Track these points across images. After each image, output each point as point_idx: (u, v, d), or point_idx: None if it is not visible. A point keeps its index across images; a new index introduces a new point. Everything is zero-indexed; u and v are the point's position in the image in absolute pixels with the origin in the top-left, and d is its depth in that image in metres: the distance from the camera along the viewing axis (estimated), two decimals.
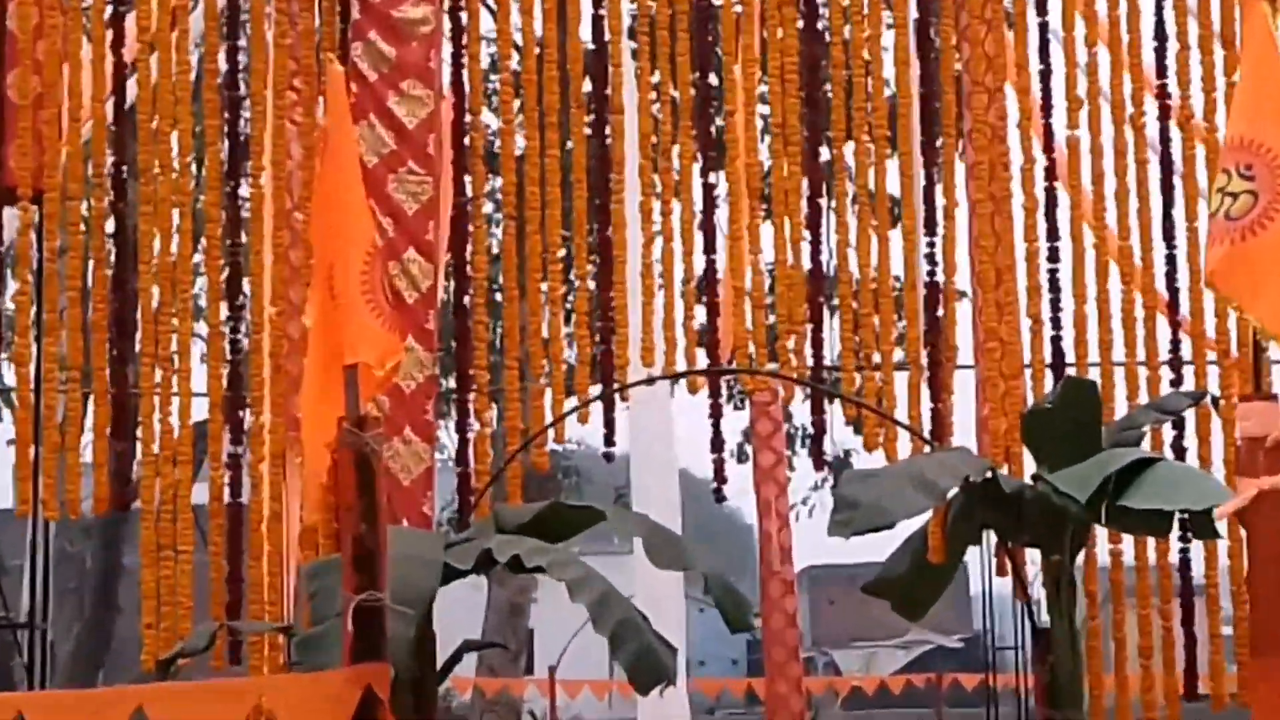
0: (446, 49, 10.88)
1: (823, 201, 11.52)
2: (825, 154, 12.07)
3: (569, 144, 11.66)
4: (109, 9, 11.13)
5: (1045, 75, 11.38)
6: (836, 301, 11.54)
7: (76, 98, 10.60)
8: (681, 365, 11.67)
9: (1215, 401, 9.95)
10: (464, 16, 10.99)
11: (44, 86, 10.44)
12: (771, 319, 11.54)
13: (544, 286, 11.56)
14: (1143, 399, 10.77)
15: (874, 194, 11.44)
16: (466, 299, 11.04)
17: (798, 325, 11.16)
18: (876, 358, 11.65)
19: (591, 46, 11.50)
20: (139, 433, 10.94)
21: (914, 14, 11.80)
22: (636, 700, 28.99)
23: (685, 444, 15.86)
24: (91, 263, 11.23)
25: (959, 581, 10.88)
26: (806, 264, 11.41)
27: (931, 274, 11.27)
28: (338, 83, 6.97)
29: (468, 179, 11.10)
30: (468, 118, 11.11)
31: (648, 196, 11.37)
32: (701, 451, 12.39)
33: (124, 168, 10.89)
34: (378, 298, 6.59)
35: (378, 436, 6.71)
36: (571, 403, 11.11)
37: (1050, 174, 11.21)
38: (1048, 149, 11.28)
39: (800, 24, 11.46)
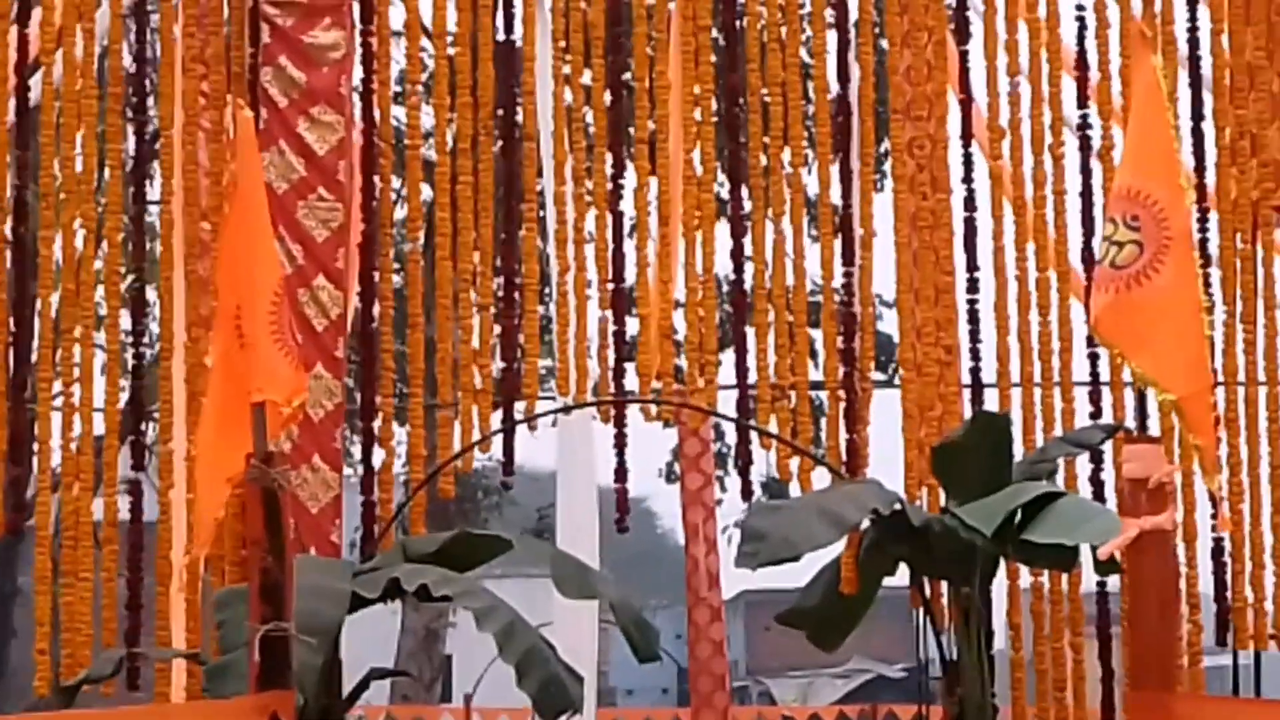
0: (358, 75, 10.89)
1: (746, 220, 11.53)
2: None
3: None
4: (14, 5, 10.94)
5: (965, 105, 11.49)
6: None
7: None
8: (602, 386, 11.66)
9: (1129, 434, 9.80)
10: (374, 42, 11.00)
11: None
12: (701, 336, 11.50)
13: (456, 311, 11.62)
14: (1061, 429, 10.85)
15: (812, 205, 11.88)
16: (372, 325, 11.07)
17: (710, 354, 11.30)
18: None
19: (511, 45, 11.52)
20: (35, 452, 10.95)
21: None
22: None
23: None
24: None
25: (902, 610, 11.17)
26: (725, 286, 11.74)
27: (847, 299, 11.32)
28: (246, 128, 7.36)
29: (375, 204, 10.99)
30: (378, 144, 11.00)
31: (562, 224, 11.54)
32: (632, 473, 12.43)
33: (25, 170, 10.81)
34: (285, 337, 6.99)
35: (284, 472, 7.17)
36: (476, 433, 11.31)
37: (969, 204, 11.30)
38: (967, 179, 11.35)
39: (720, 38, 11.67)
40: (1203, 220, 10.57)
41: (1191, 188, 8.88)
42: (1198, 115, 10.83)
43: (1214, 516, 10.60)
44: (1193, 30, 11.03)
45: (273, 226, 8.59)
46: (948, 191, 11.28)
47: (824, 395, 11.44)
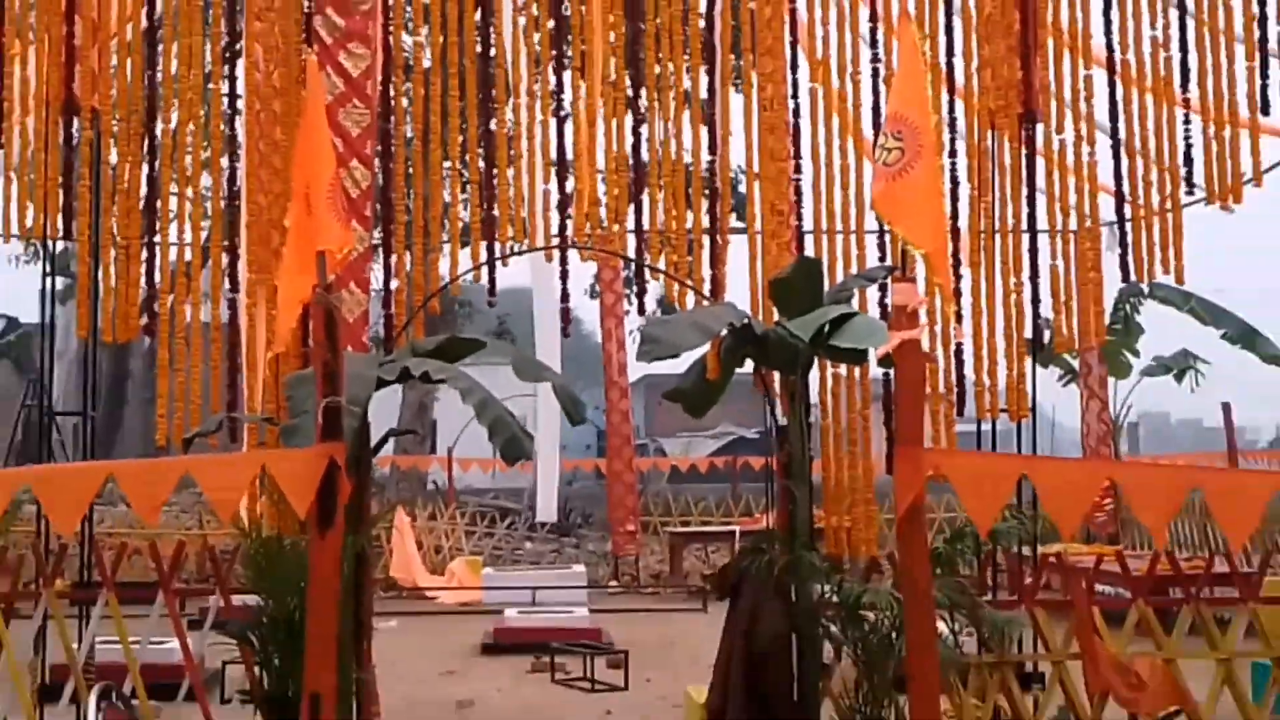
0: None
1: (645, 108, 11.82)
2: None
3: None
4: None
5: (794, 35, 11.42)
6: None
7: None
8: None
9: (898, 274, 10.02)
10: None
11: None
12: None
13: (445, 167, 12.14)
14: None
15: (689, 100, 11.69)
16: (390, 192, 11.35)
17: (620, 212, 11.53)
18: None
19: None
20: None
21: None
22: (514, 474, 29.80)
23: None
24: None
25: (750, 391, 11.45)
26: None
27: (712, 173, 11.47)
28: (315, 72, 7.63)
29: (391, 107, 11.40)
30: (393, 66, 11.44)
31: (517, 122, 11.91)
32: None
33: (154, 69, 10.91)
34: (337, 208, 7.35)
35: (337, 296, 7.60)
36: (464, 264, 11.57)
37: (796, 112, 11.31)
38: (794, 94, 11.33)
39: None
40: (952, 126, 10.99)
41: (936, 113, 9.17)
42: (951, 53, 11.02)
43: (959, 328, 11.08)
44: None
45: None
46: (783, 102, 11.16)
47: (694, 241, 11.44)
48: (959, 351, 11.03)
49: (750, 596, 8.78)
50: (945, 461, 6.90)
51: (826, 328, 8.50)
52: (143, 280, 10.92)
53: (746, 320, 9.18)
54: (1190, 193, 10.71)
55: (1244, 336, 21.97)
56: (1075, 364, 23.48)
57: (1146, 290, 22.13)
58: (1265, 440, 49.30)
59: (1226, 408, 25.32)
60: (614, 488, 25.22)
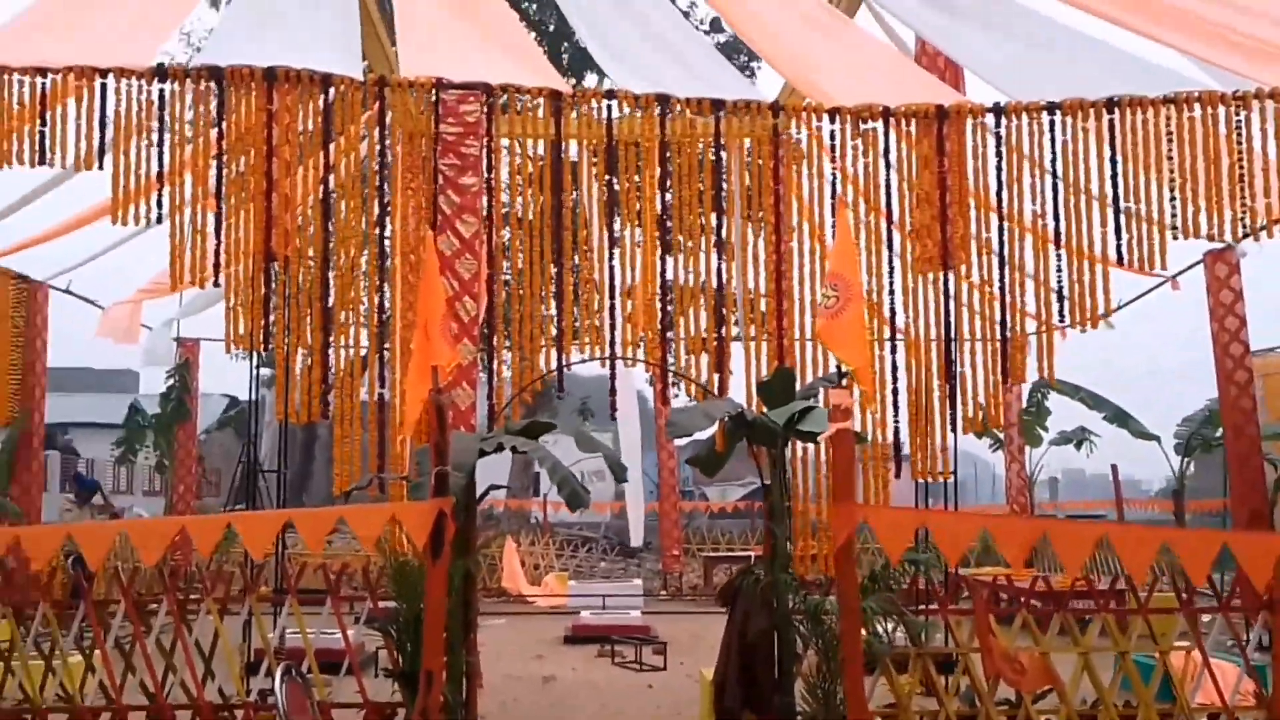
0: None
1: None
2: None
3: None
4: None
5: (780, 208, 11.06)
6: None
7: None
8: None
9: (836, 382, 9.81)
10: (492, 180, 10.63)
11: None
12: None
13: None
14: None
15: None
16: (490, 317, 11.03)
17: (654, 334, 11.18)
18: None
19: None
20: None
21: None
22: (592, 513, 29.88)
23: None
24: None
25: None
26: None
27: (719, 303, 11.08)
28: (430, 245, 7.73)
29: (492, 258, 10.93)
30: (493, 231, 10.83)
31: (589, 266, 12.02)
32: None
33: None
34: (447, 335, 7.63)
35: (447, 396, 7.86)
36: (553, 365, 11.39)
37: (779, 268, 11.05)
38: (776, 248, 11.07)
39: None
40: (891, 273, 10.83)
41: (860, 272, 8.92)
42: (890, 221, 10.75)
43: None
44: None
45: (440, 273, 9.03)
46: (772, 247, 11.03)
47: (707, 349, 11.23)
48: (896, 432, 10.87)
49: (744, 605, 8.85)
50: (868, 513, 6.87)
51: (796, 417, 8.55)
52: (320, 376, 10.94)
53: (741, 410, 9.23)
54: (1062, 320, 10.59)
55: (1118, 417, 22.05)
56: (1001, 436, 23.82)
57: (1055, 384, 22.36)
58: (1155, 489, 48.74)
59: (1114, 469, 25.43)
60: (664, 523, 25.55)
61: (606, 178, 11.31)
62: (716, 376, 10.95)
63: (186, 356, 23.87)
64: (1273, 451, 16.70)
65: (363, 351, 11.17)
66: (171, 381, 24.38)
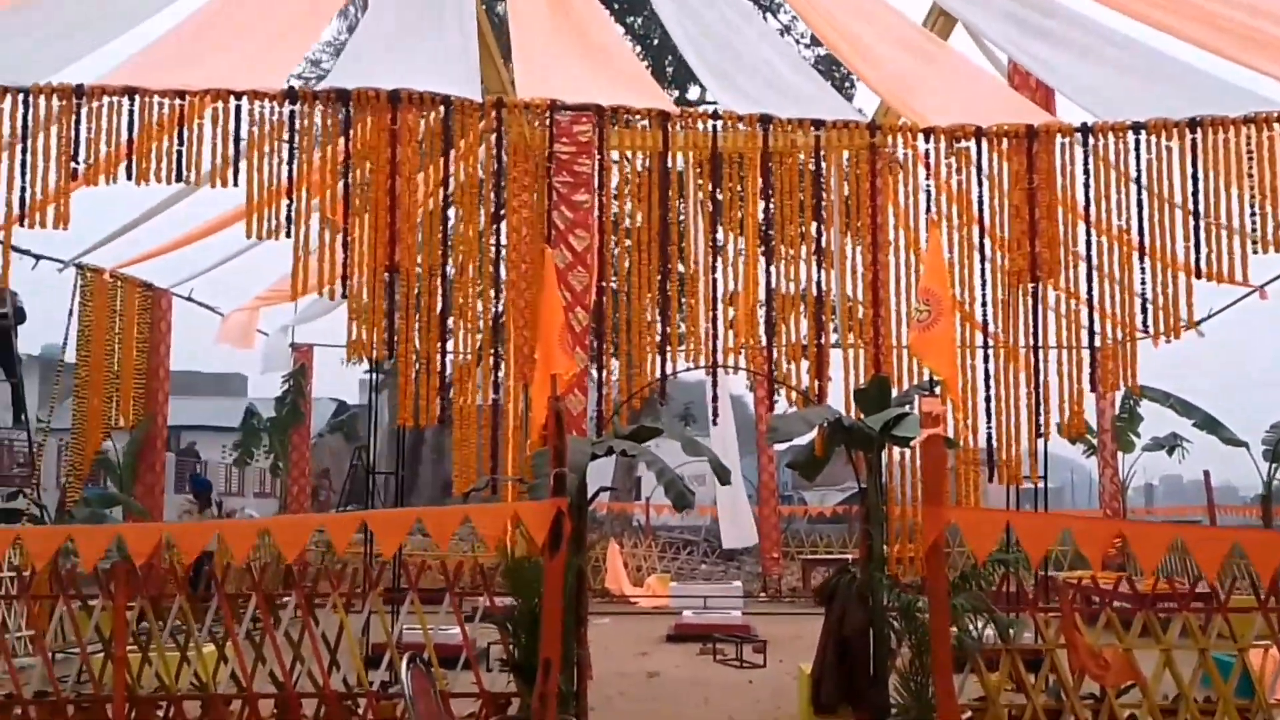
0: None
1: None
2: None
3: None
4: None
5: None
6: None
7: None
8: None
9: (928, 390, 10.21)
10: (603, 197, 11.02)
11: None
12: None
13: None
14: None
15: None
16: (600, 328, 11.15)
17: (755, 340, 11.59)
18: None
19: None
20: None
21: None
22: (694, 515, 30.23)
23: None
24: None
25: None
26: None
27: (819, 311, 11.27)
28: (550, 261, 8.21)
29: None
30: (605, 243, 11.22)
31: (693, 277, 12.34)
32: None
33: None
34: (565, 345, 8.08)
35: (566, 401, 8.30)
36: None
37: (875, 282, 11.22)
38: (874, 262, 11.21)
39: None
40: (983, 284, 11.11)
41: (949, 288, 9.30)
42: (983, 234, 11.07)
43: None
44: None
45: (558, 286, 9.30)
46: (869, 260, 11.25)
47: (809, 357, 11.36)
48: (989, 438, 11.09)
49: (840, 603, 9.11)
50: (956, 514, 7.22)
51: (891, 423, 8.78)
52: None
53: (839, 416, 9.49)
54: (1146, 329, 10.82)
55: (1208, 424, 22.19)
56: (1095, 442, 24.02)
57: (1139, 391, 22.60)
58: (1251, 495, 48.25)
59: (1206, 475, 25.61)
60: (763, 526, 25.81)
61: (710, 189, 11.65)
62: (816, 383, 11.24)
63: (301, 362, 24.55)
64: None
65: (476, 355, 11.47)
66: (286, 386, 25.18)
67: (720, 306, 11.50)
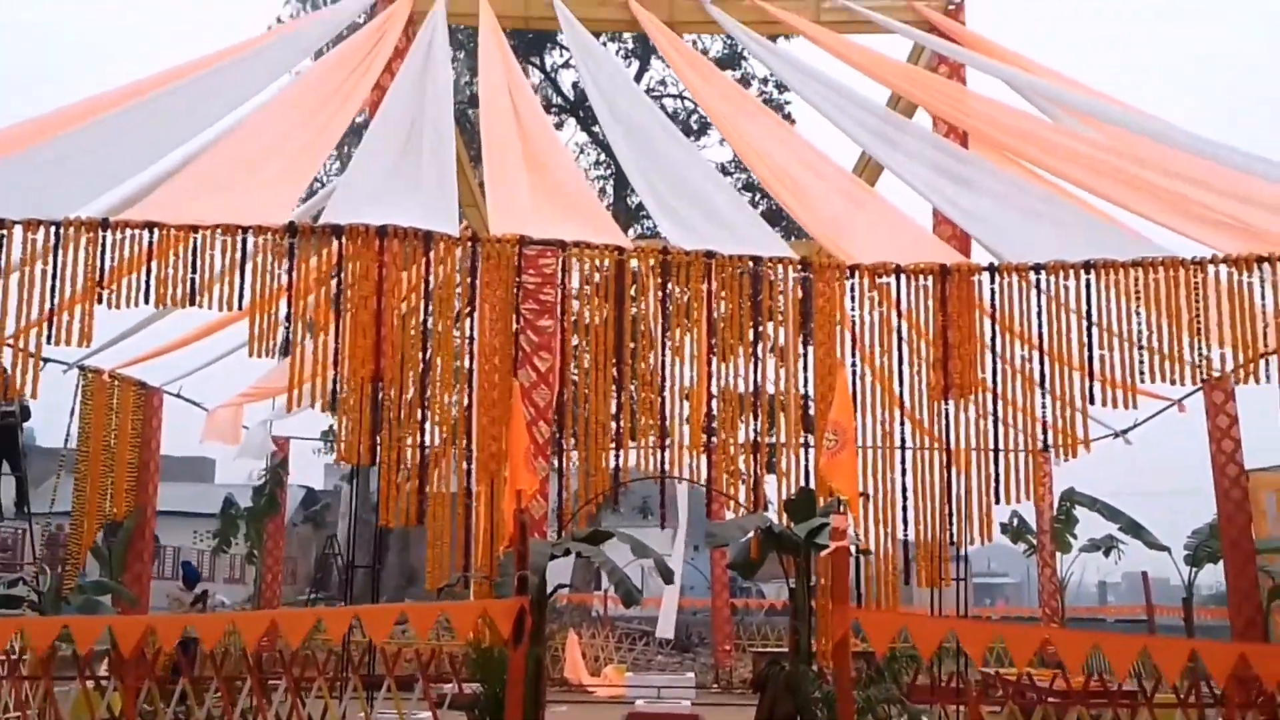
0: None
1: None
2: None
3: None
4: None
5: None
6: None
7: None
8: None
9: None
10: (565, 324, 11.98)
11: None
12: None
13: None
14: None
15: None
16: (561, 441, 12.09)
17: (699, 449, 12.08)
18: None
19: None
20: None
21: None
22: (653, 610, 31.22)
23: None
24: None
25: None
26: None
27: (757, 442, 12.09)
28: (517, 394, 9.37)
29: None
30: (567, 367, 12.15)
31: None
32: None
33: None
34: (530, 465, 9.20)
35: (527, 512, 9.42)
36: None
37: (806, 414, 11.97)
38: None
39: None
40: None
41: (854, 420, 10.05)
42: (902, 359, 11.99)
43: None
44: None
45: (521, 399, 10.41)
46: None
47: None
48: (905, 545, 11.98)
49: (771, 693, 10.01)
50: (859, 614, 8.29)
51: (814, 531, 9.79)
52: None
53: (770, 524, 10.45)
54: (1045, 448, 11.95)
55: (1132, 528, 23.45)
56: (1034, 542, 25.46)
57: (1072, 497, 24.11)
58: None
59: (1144, 575, 26.85)
60: (716, 618, 27.00)
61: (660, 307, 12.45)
62: (752, 494, 12.36)
63: (281, 454, 25.59)
64: (1269, 564, 18.00)
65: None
66: (265, 477, 26.21)
67: (673, 399, 12.28)
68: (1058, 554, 25.91)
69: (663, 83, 39.60)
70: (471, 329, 12.06)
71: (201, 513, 42.28)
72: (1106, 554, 27.29)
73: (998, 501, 12.18)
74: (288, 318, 11.51)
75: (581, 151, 39.78)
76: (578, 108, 36.79)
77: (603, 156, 35.47)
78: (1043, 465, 23.50)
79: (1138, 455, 22.00)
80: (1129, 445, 21.64)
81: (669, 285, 12.22)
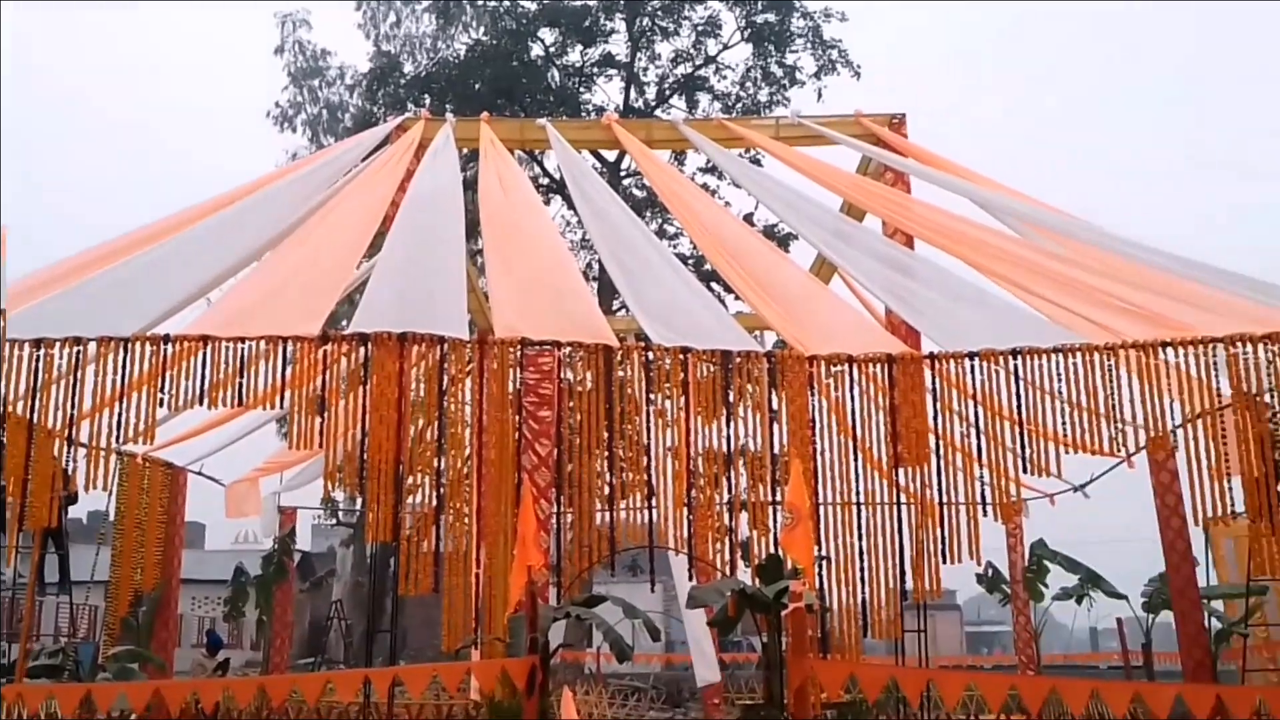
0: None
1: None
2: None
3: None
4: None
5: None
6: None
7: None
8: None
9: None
10: (564, 413, 13.19)
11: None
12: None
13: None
14: None
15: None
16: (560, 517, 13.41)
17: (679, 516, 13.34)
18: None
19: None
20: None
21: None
22: (643, 664, 32.20)
23: None
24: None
25: None
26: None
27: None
28: (528, 485, 11.10)
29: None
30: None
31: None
32: None
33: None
34: (537, 544, 10.72)
35: (536, 584, 10.69)
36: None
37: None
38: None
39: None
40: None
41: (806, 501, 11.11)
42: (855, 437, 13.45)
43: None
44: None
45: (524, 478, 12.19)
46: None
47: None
48: (863, 603, 13.45)
49: None
50: (815, 664, 9.82)
51: (781, 592, 10.95)
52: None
53: (744, 586, 11.51)
54: (984, 512, 13.46)
55: (1091, 578, 25.19)
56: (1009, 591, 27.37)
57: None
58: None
59: (1120, 622, 28.31)
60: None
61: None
62: (728, 560, 14.06)
63: (290, 524, 27.36)
64: (1220, 607, 19.69)
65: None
66: (274, 547, 27.95)
67: (658, 459, 13.51)
68: (1033, 602, 27.53)
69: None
70: (481, 419, 13.63)
71: (195, 579, 43.26)
72: (1079, 602, 28.92)
73: (945, 560, 13.67)
74: (321, 412, 13.15)
75: (567, 225, 41.94)
76: (562, 188, 38.99)
77: (587, 236, 37.76)
78: (1015, 519, 25.55)
79: (1098, 506, 23.98)
80: (1088, 499, 23.50)
81: (651, 367, 13.85)
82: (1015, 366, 13.39)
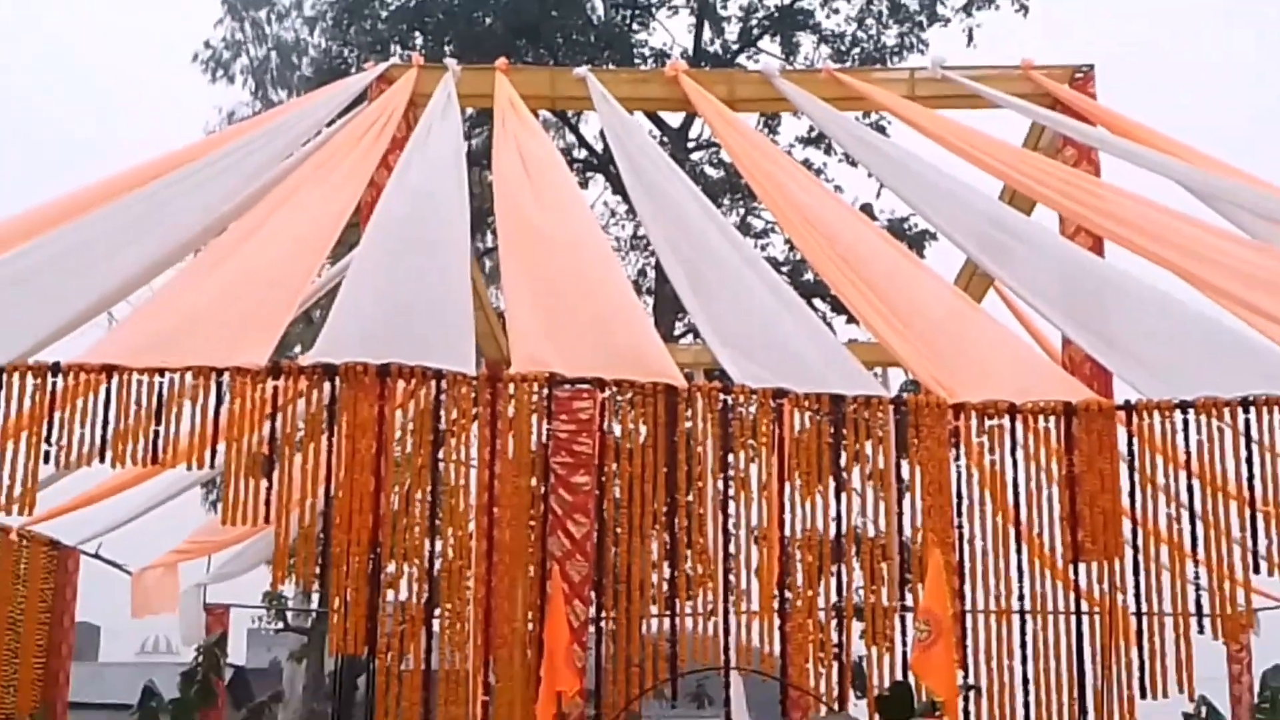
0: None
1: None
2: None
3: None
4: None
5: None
6: None
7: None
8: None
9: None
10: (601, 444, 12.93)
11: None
12: None
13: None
14: None
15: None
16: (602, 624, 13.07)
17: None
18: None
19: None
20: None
21: None
22: None
23: None
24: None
25: None
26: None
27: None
28: (556, 578, 11.11)
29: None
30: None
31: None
32: None
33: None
34: (570, 663, 10.82)
35: (568, 718, 11.23)
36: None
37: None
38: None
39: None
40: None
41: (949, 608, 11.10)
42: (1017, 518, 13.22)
43: None
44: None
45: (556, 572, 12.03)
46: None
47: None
48: None
49: None
50: None
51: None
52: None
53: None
54: (1200, 632, 13.02)
55: None
56: None
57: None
58: None
59: None
60: None
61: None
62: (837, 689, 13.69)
63: (221, 630, 27.29)
64: None
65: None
66: (197, 660, 27.79)
67: (738, 550, 13.33)
68: None
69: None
70: (491, 485, 13.40)
71: (88, 702, 42.83)
72: None
73: (1142, 694, 13.38)
74: (268, 474, 12.96)
75: (613, 215, 41.94)
76: (606, 164, 38.65)
77: (641, 231, 37.33)
78: (1241, 636, 25.35)
79: None
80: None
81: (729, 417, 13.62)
82: (1247, 423, 13.19)
